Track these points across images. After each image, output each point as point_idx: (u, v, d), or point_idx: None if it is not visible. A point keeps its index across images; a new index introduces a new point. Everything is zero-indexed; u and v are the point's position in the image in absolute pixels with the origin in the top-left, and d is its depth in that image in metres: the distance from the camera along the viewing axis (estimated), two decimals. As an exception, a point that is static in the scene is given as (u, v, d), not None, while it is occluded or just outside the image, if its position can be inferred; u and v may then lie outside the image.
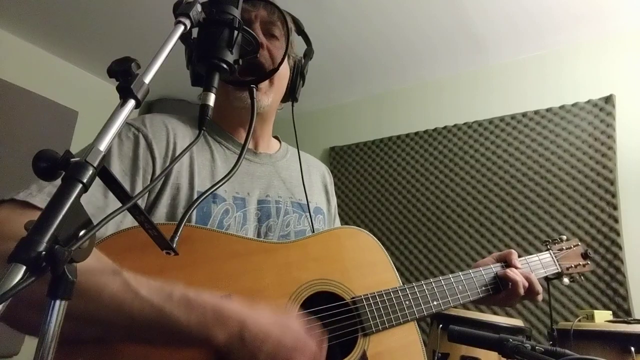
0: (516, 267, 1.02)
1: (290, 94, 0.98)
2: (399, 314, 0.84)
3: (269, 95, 0.89)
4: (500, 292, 1.00)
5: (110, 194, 0.68)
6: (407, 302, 0.86)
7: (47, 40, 2.62)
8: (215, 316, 0.58)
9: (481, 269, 1.01)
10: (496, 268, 1.03)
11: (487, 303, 1.07)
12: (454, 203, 2.55)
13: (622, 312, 1.97)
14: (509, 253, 1.06)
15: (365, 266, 0.88)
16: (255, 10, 0.89)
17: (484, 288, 0.98)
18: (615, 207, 2.11)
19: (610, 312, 1.71)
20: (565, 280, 1.15)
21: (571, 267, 1.16)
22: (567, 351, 0.57)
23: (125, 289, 0.56)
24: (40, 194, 0.63)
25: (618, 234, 2.07)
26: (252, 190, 0.88)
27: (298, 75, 0.97)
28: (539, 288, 1.01)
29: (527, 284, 0.99)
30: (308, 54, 1.01)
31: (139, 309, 0.56)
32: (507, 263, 1.04)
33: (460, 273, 0.97)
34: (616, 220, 2.09)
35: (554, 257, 1.13)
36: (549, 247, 1.17)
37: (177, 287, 0.59)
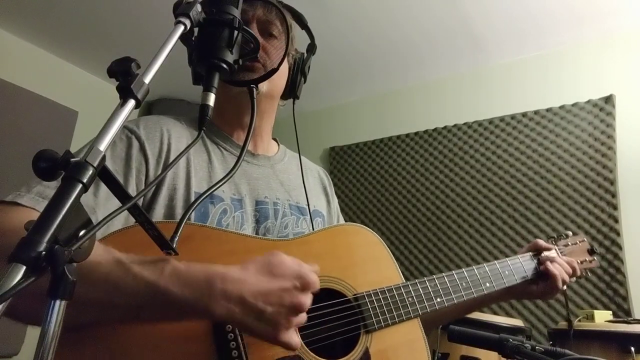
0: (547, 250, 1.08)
1: (291, 92, 0.97)
2: (401, 311, 0.84)
3: (264, 82, 0.86)
4: (517, 287, 1.02)
5: (100, 194, 0.68)
6: (409, 299, 0.86)
7: (47, 40, 2.62)
8: (209, 285, 0.58)
9: (485, 265, 1.00)
10: (513, 261, 1.04)
11: (506, 298, 1.08)
12: (454, 203, 2.55)
13: (622, 312, 1.97)
14: (535, 243, 1.11)
15: (367, 263, 0.88)
16: (252, 10, 0.88)
17: (487, 285, 0.98)
18: (615, 207, 2.11)
19: (610, 312, 1.71)
20: (572, 278, 1.14)
21: (577, 263, 1.16)
22: (567, 351, 0.57)
23: (118, 268, 0.56)
24: (29, 194, 0.63)
25: (618, 234, 2.07)
26: (250, 191, 0.88)
27: (299, 72, 0.96)
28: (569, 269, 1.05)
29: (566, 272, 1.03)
30: (311, 49, 0.99)
31: (132, 285, 0.55)
32: (537, 252, 1.08)
33: (464, 270, 0.97)
34: (616, 220, 2.09)
35: (559, 253, 1.12)
36: (554, 242, 1.16)
37: (167, 262, 0.58)
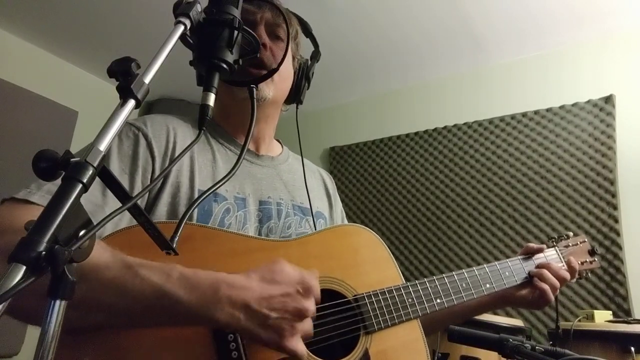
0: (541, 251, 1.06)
1: (295, 96, 0.98)
2: (401, 312, 0.83)
3: (269, 87, 0.88)
4: (513, 289, 1.01)
5: (109, 192, 0.68)
6: (409, 300, 0.85)
7: (47, 40, 2.62)
8: (214, 291, 0.58)
9: (485, 266, 1.00)
10: (510, 262, 1.03)
11: (501, 304, 1.06)
12: (454, 203, 2.55)
13: (622, 312, 1.97)
14: (526, 248, 1.09)
15: (368, 264, 0.88)
16: (260, 12, 0.89)
17: (487, 286, 0.97)
18: (615, 207, 2.11)
19: (610, 312, 1.71)
20: (572, 279, 1.13)
21: (578, 264, 1.15)
22: (567, 351, 0.57)
23: (125, 271, 0.56)
24: (40, 191, 0.64)
25: (618, 234, 2.07)
26: (253, 191, 0.88)
27: (303, 77, 0.97)
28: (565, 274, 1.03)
29: (557, 283, 1.01)
30: (315, 56, 1.01)
31: (140, 289, 0.56)
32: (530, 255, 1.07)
33: (464, 271, 0.96)
34: (616, 220, 2.09)
35: (559, 254, 1.12)
36: (555, 243, 1.15)
37: (174, 267, 0.59)
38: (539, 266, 1.05)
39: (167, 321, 0.59)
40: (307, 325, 0.64)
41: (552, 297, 1.00)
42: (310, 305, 0.64)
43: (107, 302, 0.56)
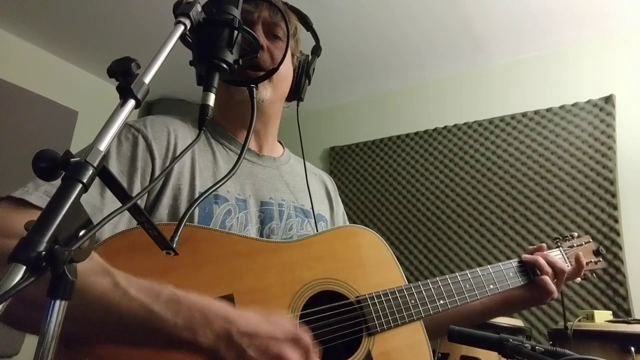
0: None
1: (295, 94, 0.97)
2: (404, 314, 0.83)
3: (267, 88, 0.88)
4: (517, 291, 1.00)
5: (108, 194, 0.68)
6: (412, 302, 0.85)
7: (47, 40, 2.61)
8: (202, 317, 0.58)
9: (489, 267, 0.99)
10: (514, 263, 1.02)
11: (507, 308, 1.04)
12: (454, 203, 2.55)
13: (622, 312, 1.97)
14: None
15: (370, 265, 0.87)
16: (257, 11, 0.88)
17: (491, 287, 0.96)
18: (615, 207, 2.11)
19: (610, 312, 1.71)
20: (577, 278, 1.12)
21: None
22: (567, 351, 0.57)
23: (114, 289, 0.56)
24: (37, 192, 0.63)
25: (618, 234, 2.07)
26: (254, 191, 0.88)
27: (303, 73, 0.96)
28: (563, 267, 1.02)
29: (550, 270, 1.00)
30: (315, 51, 1.00)
31: (127, 308, 0.55)
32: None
33: (467, 271, 0.96)
34: (616, 220, 2.09)
35: (564, 254, 1.11)
36: (559, 244, 1.14)
37: (166, 287, 0.58)
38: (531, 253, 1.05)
39: (154, 341, 0.59)
40: None
41: (553, 288, 1.00)
42: (294, 357, 0.60)
43: (94, 318, 0.55)
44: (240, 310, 0.62)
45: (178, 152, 0.80)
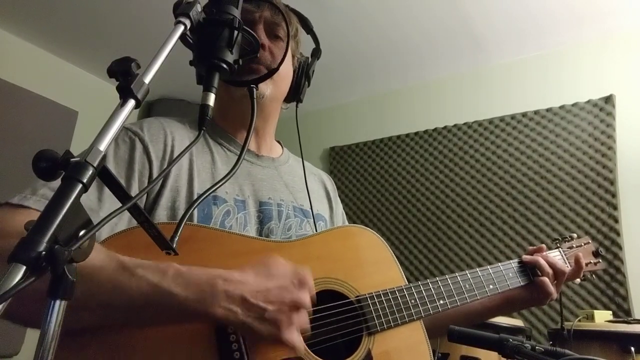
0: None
1: (295, 95, 0.98)
2: (404, 313, 0.83)
3: (268, 85, 0.88)
4: (517, 291, 1.00)
5: (105, 197, 0.69)
6: (412, 301, 0.85)
7: (47, 40, 2.61)
8: (211, 287, 0.59)
9: (489, 267, 0.99)
10: (513, 263, 1.02)
11: (507, 308, 1.04)
12: (454, 203, 2.55)
13: (622, 312, 1.97)
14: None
15: (370, 264, 0.87)
16: (259, 11, 0.88)
17: (491, 287, 0.97)
18: (615, 207, 2.11)
19: (610, 312, 1.71)
20: (577, 279, 1.12)
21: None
22: (567, 351, 0.57)
23: (122, 270, 0.57)
24: (35, 196, 0.64)
25: (618, 234, 2.07)
26: (253, 192, 0.88)
27: (303, 75, 0.97)
28: (564, 268, 1.02)
29: (550, 271, 1.00)
30: (315, 53, 1.00)
31: (136, 287, 0.56)
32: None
33: (467, 271, 0.96)
34: (616, 220, 2.09)
35: (563, 255, 1.11)
36: (558, 245, 1.14)
37: (170, 265, 0.59)
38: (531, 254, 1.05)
39: (164, 318, 0.60)
40: (304, 317, 0.65)
41: (553, 289, 1.00)
42: (306, 297, 0.65)
43: (103, 301, 0.56)
44: (241, 271, 0.64)
45: (175, 154, 0.80)
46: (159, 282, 0.57)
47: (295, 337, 0.62)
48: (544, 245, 1.09)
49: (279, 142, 1.05)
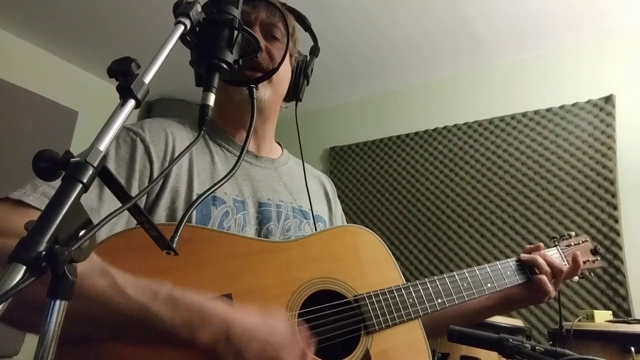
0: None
1: (294, 94, 0.98)
2: (402, 312, 0.83)
3: (266, 88, 0.88)
4: (515, 289, 1.00)
5: (105, 196, 0.68)
6: (410, 300, 0.85)
7: (47, 40, 2.62)
8: (200, 316, 0.58)
9: (486, 265, 0.99)
10: (511, 262, 1.02)
11: (505, 307, 1.04)
12: (454, 203, 2.55)
13: (622, 312, 1.97)
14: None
15: (368, 264, 0.87)
16: (254, 13, 0.88)
17: (489, 285, 0.97)
18: (615, 207, 2.11)
19: (610, 312, 1.71)
20: (575, 277, 1.12)
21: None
22: (567, 351, 0.57)
23: (113, 288, 0.56)
24: (35, 193, 0.63)
25: (618, 234, 2.07)
26: (252, 192, 0.88)
27: (301, 74, 0.96)
28: (562, 267, 1.02)
29: (549, 269, 1.00)
30: (314, 52, 1.00)
31: (125, 308, 0.56)
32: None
33: (465, 270, 0.96)
34: (616, 220, 2.09)
35: (562, 254, 1.11)
36: (556, 243, 1.15)
37: (164, 286, 0.59)
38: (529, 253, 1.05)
39: (149, 339, 0.59)
40: None
41: (551, 287, 1.00)
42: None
43: (92, 318, 0.56)
44: (238, 310, 0.62)
45: (176, 155, 0.80)
46: (148, 304, 0.56)
47: None
48: (541, 244, 1.09)
49: (279, 143, 1.05)
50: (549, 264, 1.02)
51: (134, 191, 0.73)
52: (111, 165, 0.73)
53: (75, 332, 0.55)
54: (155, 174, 0.76)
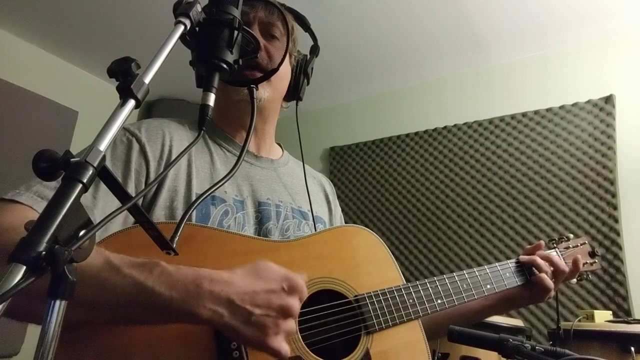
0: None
1: (294, 93, 0.97)
2: (402, 313, 0.83)
3: (266, 88, 0.88)
4: (514, 290, 1.00)
5: (100, 195, 0.69)
6: (410, 301, 0.85)
7: (47, 40, 2.61)
8: (196, 288, 0.57)
9: (486, 267, 0.99)
10: (511, 263, 1.03)
11: (505, 306, 1.04)
12: (454, 203, 2.55)
13: (622, 312, 1.97)
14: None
15: (368, 264, 0.88)
16: (252, 12, 0.88)
17: (488, 287, 0.97)
18: (615, 207, 2.11)
19: (610, 312, 1.71)
20: (573, 280, 1.12)
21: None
22: (567, 351, 0.57)
23: (108, 267, 0.56)
24: (28, 192, 0.64)
25: (618, 234, 2.07)
26: (251, 192, 0.88)
27: (301, 73, 0.96)
28: (565, 267, 1.02)
29: (549, 269, 1.00)
30: (314, 51, 1.00)
31: (121, 286, 0.55)
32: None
33: (464, 272, 0.96)
34: (616, 220, 2.09)
35: (560, 256, 1.12)
36: (554, 245, 1.15)
37: (157, 263, 0.58)
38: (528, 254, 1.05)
39: (149, 317, 0.58)
40: (291, 324, 0.62)
41: (551, 284, 1.00)
42: (295, 303, 0.62)
43: (88, 297, 0.54)
44: (232, 271, 0.61)
45: (174, 155, 0.80)
46: (144, 280, 0.56)
47: (281, 345, 0.60)
48: (542, 242, 1.09)
49: (279, 144, 1.05)
50: (551, 263, 1.02)
51: (130, 191, 0.73)
52: (107, 165, 0.73)
53: (74, 318, 0.55)
54: (152, 174, 0.76)
